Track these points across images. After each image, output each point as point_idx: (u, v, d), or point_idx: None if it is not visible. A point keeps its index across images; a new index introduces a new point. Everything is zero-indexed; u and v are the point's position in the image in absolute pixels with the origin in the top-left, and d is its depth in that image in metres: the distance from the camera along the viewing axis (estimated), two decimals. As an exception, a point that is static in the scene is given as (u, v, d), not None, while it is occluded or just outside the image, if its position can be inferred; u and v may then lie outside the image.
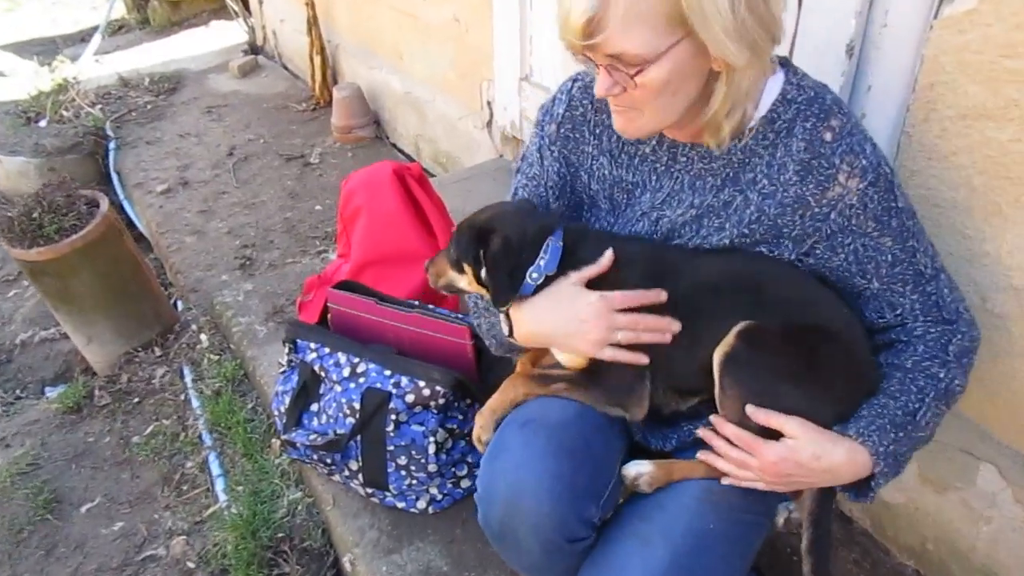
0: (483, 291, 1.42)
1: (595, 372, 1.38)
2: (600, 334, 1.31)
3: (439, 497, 1.97)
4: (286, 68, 5.67)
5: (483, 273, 1.37)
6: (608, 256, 1.35)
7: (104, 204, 2.76)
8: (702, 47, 1.13)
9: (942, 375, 1.32)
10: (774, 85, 1.29)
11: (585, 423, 1.38)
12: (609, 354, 1.32)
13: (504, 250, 1.35)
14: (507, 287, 1.37)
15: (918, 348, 1.35)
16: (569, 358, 1.42)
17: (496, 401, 1.47)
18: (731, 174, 1.34)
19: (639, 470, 1.38)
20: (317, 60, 4.79)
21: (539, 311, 1.38)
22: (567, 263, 1.37)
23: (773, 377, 1.28)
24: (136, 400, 2.77)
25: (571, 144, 1.47)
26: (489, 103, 3.29)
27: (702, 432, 1.36)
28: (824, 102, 1.29)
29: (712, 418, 1.33)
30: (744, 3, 1.10)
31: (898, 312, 1.35)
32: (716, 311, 1.33)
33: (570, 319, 1.33)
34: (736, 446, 1.30)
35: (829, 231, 1.30)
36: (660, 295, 1.32)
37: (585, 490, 1.33)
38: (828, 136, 1.26)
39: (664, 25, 1.11)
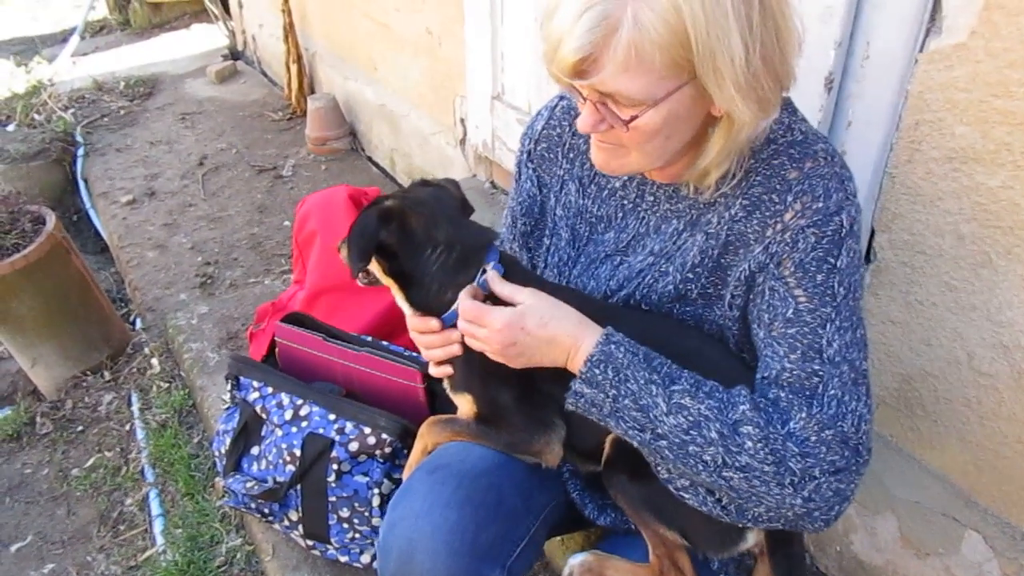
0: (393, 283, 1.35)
1: (493, 417, 1.30)
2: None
3: (385, 551, 1.82)
4: (265, 75, 5.52)
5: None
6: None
7: (50, 222, 2.61)
8: (705, 91, 1.01)
9: (745, 424, 1.05)
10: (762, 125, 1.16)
11: (504, 474, 1.28)
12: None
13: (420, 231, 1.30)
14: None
15: (749, 395, 1.10)
16: (460, 403, 1.34)
17: (412, 455, 1.37)
18: (694, 217, 1.22)
19: (573, 560, 1.26)
20: (294, 68, 4.65)
21: None
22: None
23: (652, 487, 1.19)
24: (80, 429, 2.62)
25: (545, 164, 1.42)
26: (463, 120, 3.16)
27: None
28: (809, 148, 1.13)
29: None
30: (759, 53, 0.97)
31: (764, 375, 1.12)
32: None
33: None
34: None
35: (750, 270, 1.14)
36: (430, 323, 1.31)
37: (489, 549, 1.21)
38: (792, 175, 1.11)
39: (668, 69, 0.98)
